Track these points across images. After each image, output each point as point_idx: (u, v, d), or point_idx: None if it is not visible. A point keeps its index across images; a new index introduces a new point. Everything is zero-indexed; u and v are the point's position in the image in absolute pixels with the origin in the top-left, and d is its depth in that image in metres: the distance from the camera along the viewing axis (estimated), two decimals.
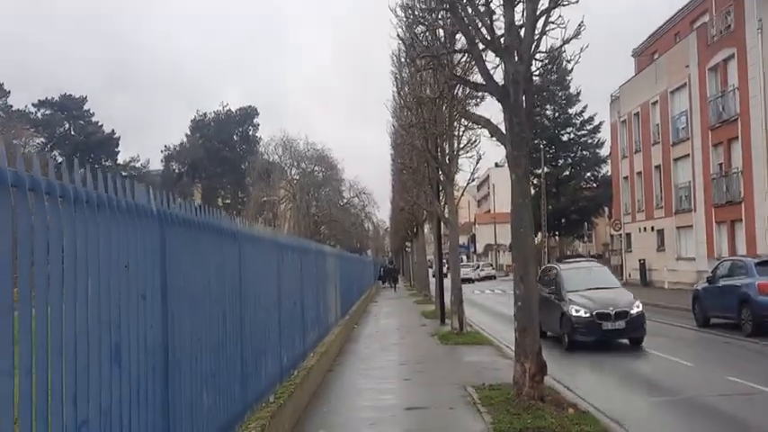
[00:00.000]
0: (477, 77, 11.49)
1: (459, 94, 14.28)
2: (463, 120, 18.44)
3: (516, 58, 9.05)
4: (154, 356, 4.06)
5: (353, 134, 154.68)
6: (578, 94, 63.91)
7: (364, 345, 17.28)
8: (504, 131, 9.66)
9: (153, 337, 4.05)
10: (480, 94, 15.92)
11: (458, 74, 11.93)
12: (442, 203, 20.82)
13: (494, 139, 9.89)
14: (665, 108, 36.47)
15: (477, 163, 18.72)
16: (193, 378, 4.78)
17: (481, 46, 9.56)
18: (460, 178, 22.05)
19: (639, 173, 40.85)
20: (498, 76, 9.51)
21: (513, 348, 16.32)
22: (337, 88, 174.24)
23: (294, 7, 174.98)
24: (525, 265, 9.37)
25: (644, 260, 38.87)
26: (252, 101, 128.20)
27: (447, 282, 23.98)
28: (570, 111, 64.16)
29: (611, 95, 45.44)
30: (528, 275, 9.36)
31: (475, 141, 18.75)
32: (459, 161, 19.24)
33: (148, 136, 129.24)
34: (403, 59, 18.93)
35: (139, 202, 3.96)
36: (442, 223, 23.10)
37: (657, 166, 38.07)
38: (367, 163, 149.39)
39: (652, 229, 39.02)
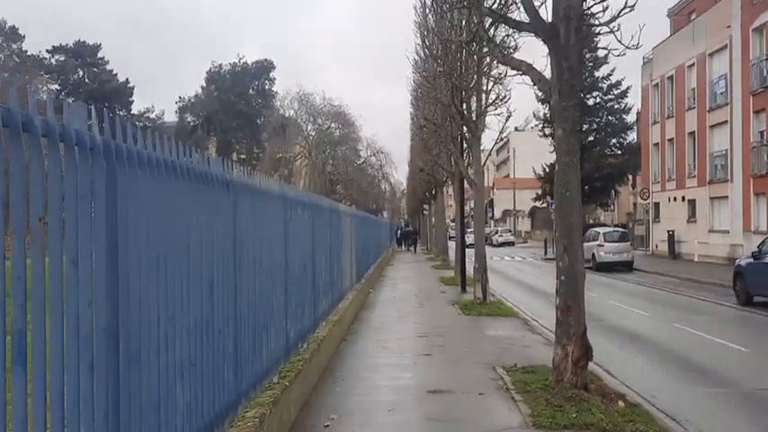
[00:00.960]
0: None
1: (495, 37, 12.78)
2: (492, 73, 17.04)
3: None
4: (94, 347, 2.85)
5: (372, 93, 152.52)
6: (606, 56, 61.52)
7: (380, 312, 16.14)
8: (548, 79, 8.29)
9: (92, 318, 2.83)
10: (515, 40, 14.53)
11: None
12: (466, 163, 19.48)
13: (535, 87, 8.50)
14: (703, 71, 34.51)
15: (506, 121, 17.32)
16: (162, 371, 3.57)
17: None
18: (486, 138, 20.65)
19: (671, 139, 39.02)
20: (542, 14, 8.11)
21: (539, 322, 15.33)
22: (357, 45, 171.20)
23: None
24: (570, 235, 8.07)
25: (673, 231, 37.30)
26: (269, 55, 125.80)
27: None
28: (597, 74, 61.99)
29: (644, 57, 43.35)
30: (573, 245, 8.06)
31: (504, 97, 17.34)
32: (487, 119, 17.82)
33: (165, 87, 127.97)
34: (429, 3, 17.43)
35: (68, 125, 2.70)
36: (464, 185, 21.80)
37: (691, 133, 36.24)
38: (385, 123, 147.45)
39: (683, 198, 37.35)
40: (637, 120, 54.84)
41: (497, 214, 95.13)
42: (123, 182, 3.08)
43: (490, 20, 10.46)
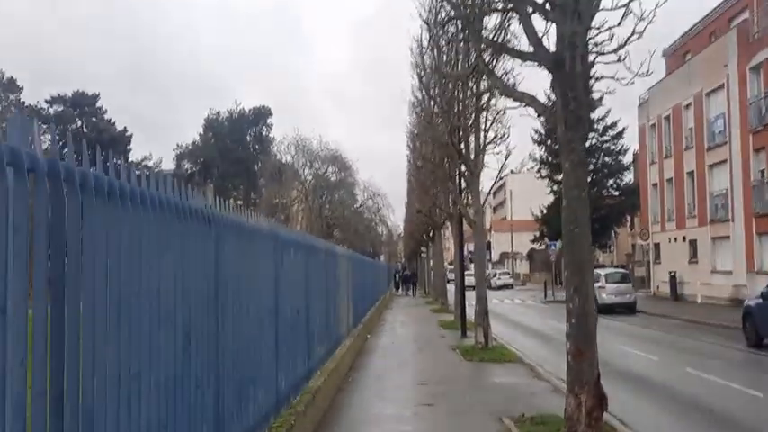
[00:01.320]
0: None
1: (496, 69, 12.44)
2: (491, 110, 16.74)
3: (574, 17, 7.28)
4: (29, 414, 2.32)
5: (370, 137, 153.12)
6: (601, 98, 61.48)
7: (379, 359, 15.49)
8: (553, 110, 7.91)
9: (25, 379, 2.31)
10: (514, 77, 14.25)
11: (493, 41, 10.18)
12: (465, 202, 19.06)
13: (540, 118, 8.13)
14: (700, 111, 34.41)
15: (506, 159, 16.93)
16: None
17: (530, 9, 7.80)
18: (484, 176, 20.28)
19: (670, 179, 38.75)
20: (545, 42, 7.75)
21: (545, 368, 14.69)
22: (355, 90, 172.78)
23: (314, 10, 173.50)
24: (581, 273, 7.57)
25: (674, 272, 36.74)
26: (268, 102, 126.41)
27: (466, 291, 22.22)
28: (592, 115, 62.29)
29: (640, 98, 43.42)
30: (584, 285, 7.56)
31: (503, 135, 17.01)
32: (486, 158, 17.44)
33: (165, 135, 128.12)
34: (426, 44, 17.23)
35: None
36: (463, 226, 21.35)
37: (690, 173, 35.97)
38: (382, 166, 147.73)
39: (684, 239, 36.89)
40: (634, 160, 54.85)
41: (495, 257, 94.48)
42: (74, 210, 2.59)
43: (490, 51, 10.13)
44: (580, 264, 7.52)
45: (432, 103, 17.43)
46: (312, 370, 8.59)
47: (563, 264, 7.63)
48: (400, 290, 55.52)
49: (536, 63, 7.79)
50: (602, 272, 33.75)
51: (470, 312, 21.74)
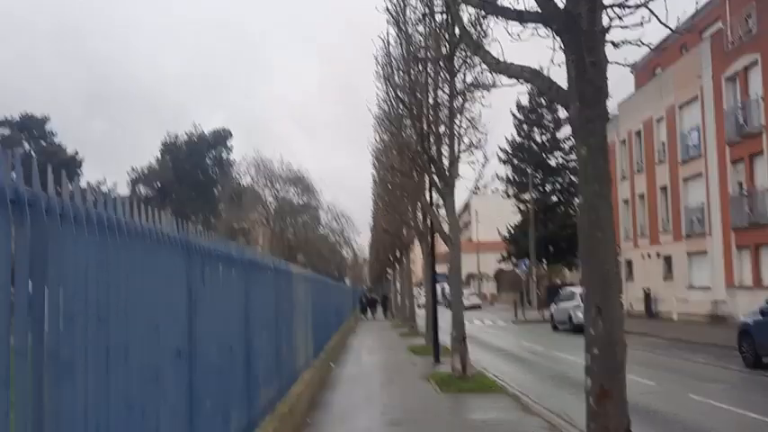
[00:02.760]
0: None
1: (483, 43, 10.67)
2: (466, 114, 15.13)
3: None
4: None
5: (333, 162, 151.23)
6: (567, 117, 61.53)
7: (343, 393, 13.57)
8: (554, 85, 6.24)
9: None
10: (495, 76, 12.64)
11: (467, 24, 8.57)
12: (438, 217, 17.38)
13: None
14: (673, 124, 33.44)
15: (483, 167, 15.31)
16: None
17: None
18: (457, 190, 18.60)
19: (642, 195, 37.68)
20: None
21: (531, 398, 12.97)
22: (318, 114, 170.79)
23: (279, 36, 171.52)
24: (604, 290, 5.83)
25: (649, 289, 35.52)
26: (231, 126, 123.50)
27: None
28: (558, 135, 61.60)
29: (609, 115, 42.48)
30: (609, 306, 5.81)
31: (479, 141, 15.42)
32: (460, 167, 15.76)
33: (120, 160, 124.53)
34: (393, 39, 15.54)
35: None
36: (434, 242, 19.65)
37: (663, 187, 34.92)
38: (347, 190, 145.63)
39: (657, 255, 35.73)
40: None
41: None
42: None
43: (475, 21, 8.48)
44: (604, 277, 5.79)
45: (400, 106, 15.74)
46: (255, 420, 6.66)
47: (580, 279, 5.85)
48: (368, 314, 53.78)
49: (540, 23, 6.13)
50: (576, 290, 32.41)
51: (443, 335, 20.00)
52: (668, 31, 7.08)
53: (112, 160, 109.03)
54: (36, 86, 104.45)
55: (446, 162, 15.21)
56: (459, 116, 14.68)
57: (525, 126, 61.87)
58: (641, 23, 6.30)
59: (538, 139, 62.24)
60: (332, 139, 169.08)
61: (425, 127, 15.40)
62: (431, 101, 14.77)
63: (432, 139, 15.46)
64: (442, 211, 18.47)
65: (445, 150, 15.58)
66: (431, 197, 17.68)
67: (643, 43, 6.32)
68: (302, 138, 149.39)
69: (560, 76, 6.28)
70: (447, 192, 15.15)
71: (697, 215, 31.52)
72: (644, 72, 40.52)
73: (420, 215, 23.32)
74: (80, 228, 2.74)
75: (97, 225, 2.89)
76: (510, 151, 61.81)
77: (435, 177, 15.67)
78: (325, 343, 17.71)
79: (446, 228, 15.76)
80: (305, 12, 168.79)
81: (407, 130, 16.07)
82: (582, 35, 5.74)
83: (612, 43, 6.20)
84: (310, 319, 13.58)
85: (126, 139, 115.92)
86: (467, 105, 14.67)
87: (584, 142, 5.93)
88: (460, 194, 63.36)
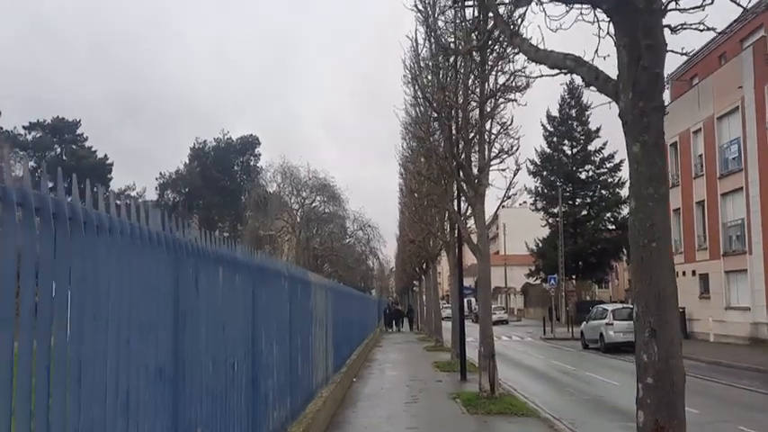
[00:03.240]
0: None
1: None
2: (497, 118, 14.39)
3: None
4: None
5: (361, 172, 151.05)
6: (598, 129, 60.54)
7: (365, 411, 12.85)
8: (601, 74, 5.52)
9: None
10: (529, 74, 11.94)
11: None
12: (467, 225, 16.64)
13: (590, 89, 5.70)
14: (711, 136, 32.27)
15: (514, 175, 14.51)
16: None
17: None
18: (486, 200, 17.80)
19: (677, 210, 36.38)
20: None
21: (565, 423, 12.16)
22: (348, 123, 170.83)
23: (310, 46, 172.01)
24: (660, 309, 5.07)
25: (683, 309, 34.23)
26: (260, 133, 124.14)
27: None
28: (589, 147, 60.40)
29: None
30: (666, 328, 5.06)
31: (512, 148, 14.64)
32: (490, 175, 15.01)
33: (151, 165, 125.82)
34: (421, 39, 14.87)
35: None
36: (462, 254, 18.88)
37: (700, 202, 33.69)
38: (374, 200, 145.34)
39: (693, 273, 34.45)
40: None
41: None
42: None
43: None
44: (659, 295, 5.04)
45: (428, 108, 15.05)
46: None
47: (632, 295, 5.08)
48: (393, 327, 52.74)
49: (589, 4, 5.43)
50: (608, 307, 31.44)
51: (470, 351, 19.22)
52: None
53: (143, 166, 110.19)
54: (70, 92, 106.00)
55: (475, 169, 14.49)
56: (489, 120, 13.96)
57: (555, 138, 60.81)
58: (701, 6, 5.58)
59: (568, 151, 61.09)
60: (361, 150, 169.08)
61: (454, 131, 14.71)
62: (460, 100, 14.06)
63: (461, 145, 14.77)
64: (470, 222, 17.76)
65: (474, 157, 14.89)
66: (459, 206, 16.95)
67: (707, 27, 5.57)
68: (330, 146, 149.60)
69: (607, 69, 5.60)
70: (476, 200, 14.41)
71: (737, 232, 30.29)
72: (680, 82, 39.35)
73: (447, 226, 22.58)
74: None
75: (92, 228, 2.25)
76: (539, 163, 60.76)
77: (464, 185, 14.95)
78: (347, 357, 17.03)
79: (474, 239, 15.00)
80: (336, 22, 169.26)
81: (436, 135, 15.37)
82: (638, 14, 5.03)
83: (669, 27, 5.47)
84: (331, 331, 12.91)
85: (156, 145, 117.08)
86: (498, 110, 13.94)
87: (636, 139, 5.19)
88: (490, 205, 62.51)
